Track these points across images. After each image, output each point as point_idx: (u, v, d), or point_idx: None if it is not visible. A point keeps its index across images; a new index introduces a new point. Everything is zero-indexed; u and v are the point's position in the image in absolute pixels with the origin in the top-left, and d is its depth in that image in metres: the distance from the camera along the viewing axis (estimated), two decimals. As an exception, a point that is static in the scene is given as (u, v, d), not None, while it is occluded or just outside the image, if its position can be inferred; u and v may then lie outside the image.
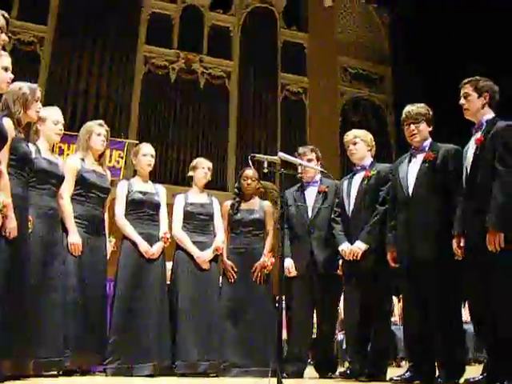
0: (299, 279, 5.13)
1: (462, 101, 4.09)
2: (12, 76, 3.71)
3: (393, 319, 7.21)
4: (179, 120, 15.55)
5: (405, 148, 4.64)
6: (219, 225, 5.44)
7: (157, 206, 5.19)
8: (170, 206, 5.36)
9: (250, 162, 4.33)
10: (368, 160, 5.02)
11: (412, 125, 4.43)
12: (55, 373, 4.31)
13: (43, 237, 4.25)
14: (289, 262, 5.10)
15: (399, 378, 4.26)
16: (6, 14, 3.69)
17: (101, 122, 5.10)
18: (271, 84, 16.63)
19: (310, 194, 5.31)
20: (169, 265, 5.44)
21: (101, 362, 4.75)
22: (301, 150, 5.44)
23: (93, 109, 14.30)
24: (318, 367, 5.28)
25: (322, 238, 5.13)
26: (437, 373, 4.18)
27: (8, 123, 3.65)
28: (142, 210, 5.11)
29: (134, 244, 5.00)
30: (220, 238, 5.36)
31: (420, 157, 4.39)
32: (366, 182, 4.87)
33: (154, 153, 5.36)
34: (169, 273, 5.41)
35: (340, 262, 5.00)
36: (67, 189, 4.66)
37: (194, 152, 14.58)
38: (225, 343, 5.16)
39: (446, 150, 4.30)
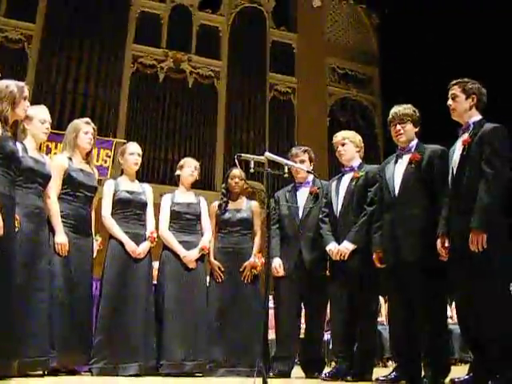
0: (287, 279, 5.14)
1: (450, 101, 4.12)
2: (-1, 74, 3.69)
3: (379, 319, 7.22)
4: (167, 119, 15.50)
5: (392, 149, 4.65)
6: (206, 224, 5.44)
7: (143, 206, 5.19)
8: (157, 206, 5.35)
9: (236, 161, 4.33)
10: (356, 161, 5.04)
11: (398, 125, 4.45)
12: (40, 373, 4.28)
13: (29, 236, 4.22)
14: (277, 262, 5.11)
15: (385, 378, 4.28)
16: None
17: (87, 120, 5.06)
18: (260, 84, 16.62)
19: (302, 195, 5.33)
20: (155, 264, 5.43)
21: (86, 361, 4.73)
22: (293, 151, 5.44)
23: (81, 108, 14.21)
24: (304, 367, 5.29)
25: (311, 239, 5.14)
26: (423, 373, 4.20)
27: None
28: (129, 210, 5.10)
29: (121, 243, 4.99)
30: (206, 238, 5.36)
31: (406, 158, 4.41)
32: (354, 183, 4.90)
33: (140, 152, 5.35)
34: (155, 272, 5.41)
35: (328, 262, 5.02)
36: (54, 188, 4.63)
37: (182, 151, 14.55)
38: (211, 343, 5.16)
39: (432, 150, 4.33)
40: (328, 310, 5.33)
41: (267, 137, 16.31)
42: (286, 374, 5.09)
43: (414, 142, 4.45)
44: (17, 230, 3.92)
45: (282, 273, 5.13)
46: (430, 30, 13.77)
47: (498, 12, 12.40)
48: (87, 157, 4.99)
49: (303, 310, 5.36)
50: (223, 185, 5.69)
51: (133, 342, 4.82)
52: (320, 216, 5.07)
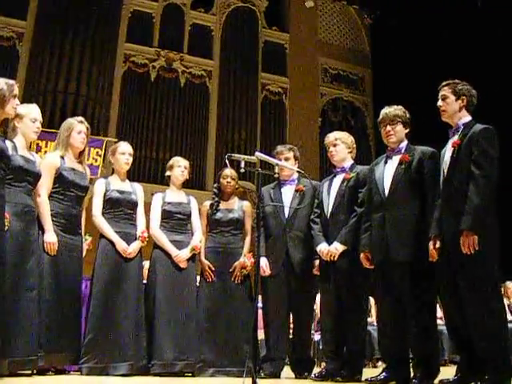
0: (274, 279, 5.13)
1: (440, 103, 4.13)
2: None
3: (369, 320, 7.24)
4: (159, 118, 15.47)
5: (384, 149, 4.66)
6: (197, 224, 5.43)
7: (134, 205, 5.17)
8: (148, 205, 5.34)
9: (226, 161, 4.33)
10: (348, 162, 5.04)
11: (388, 126, 4.46)
12: (29, 372, 4.26)
13: (18, 235, 4.19)
14: (263, 261, 5.10)
15: (375, 379, 4.28)
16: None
17: (81, 119, 5.03)
18: (251, 84, 16.59)
19: (287, 193, 5.32)
20: (146, 264, 5.42)
21: (75, 361, 4.71)
22: (278, 148, 5.44)
23: (72, 106, 14.13)
24: (294, 367, 5.28)
25: (298, 238, 5.13)
26: (412, 374, 4.21)
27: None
28: (119, 209, 5.08)
29: (112, 243, 4.97)
30: (197, 237, 5.35)
31: (396, 158, 4.42)
32: (345, 183, 4.90)
33: (131, 151, 5.33)
34: (146, 272, 5.40)
35: (316, 262, 5.01)
36: (45, 186, 4.62)
37: (174, 151, 14.49)
38: (202, 343, 5.15)
39: (422, 151, 4.34)
40: (318, 311, 5.32)
41: (259, 137, 16.29)
42: (276, 375, 5.09)
43: (404, 143, 4.47)
44: (6, 228, 3.90)
45: (268, 272, 5.12)
46: (421, 31, 13.79)
47: (490, 14, 12.45)
48: (79, 156, 4.97)
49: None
50: (215, 184, 5.68)
51: (123, 341, 4.80)
52: (311, 216, 5.07)
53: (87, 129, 4.99)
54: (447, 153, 4.04)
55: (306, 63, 17.59)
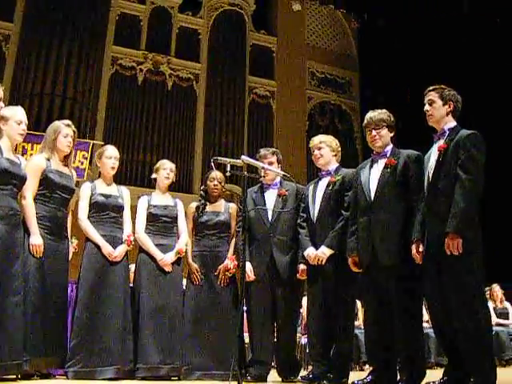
0: (258, 283, 5.11)
1: (427, 107, 4.15)
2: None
3: (356, 323, 7.25)
4: (146, 122, 15.44)
5: (371, 153, 4.67)
6: (183, 227, 5.42)
7: (120, 209, 5.16)
8: (135, 208, 5.32)
9: (212, 164, 4.32)
10: (333, 165, 5.05)
11: (374, 130, 4.48)
12: (14, 377, 4.23)
13: (3, 238, 4.17)
14: (248, 267, 5.07)
15: (361, 382, 4.28)
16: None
17: (68, 122, 5.01)
18: (239, 87, 16.59)
19: (270, 197, 5.30)
20: (132, 267, 5.40)
21: (61, 365, 4.68)
22: (262, 152, 5.42)
23: (59, 109, 14.06)
24: (280, 371, 5.27)
25: (282, 242, 5.13)
26: (398, 377, 4.22)
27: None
28: (105, 213, 5.07)
29: (97, 246, 4.96)
30: (183, 241, 5.34)
31: (381, 162, 4.43)
32: (330, 187, 4.90)
33: (118, 155, 5.31)
34: (132, 275, 5.38)
35: (301, 266, 5.00)
36: (30, 188, 4.59)
37: (161, 154, 14.47)
38: (188, 346, 5.14)
39: (407, 155, 4.35)
40: (305, 314, 5.32)
41: (246, 140, 16.29)
42: (263, 378, 5.08)
43: (390, 147, 4.48)
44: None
45: (252, 277, 5.10)
46: (408, 35, 13.86)
47: (477, 19, 12.52)
48: (65, 159, 4.95)
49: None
50: (202, 187, 5.67)
51: (109, 345, 4.78)
52: (298, 221, 5.07)
53: (74, 132, 4.97)
54: (432, 157, 4.06)
55: (294, 67, 17.64)
